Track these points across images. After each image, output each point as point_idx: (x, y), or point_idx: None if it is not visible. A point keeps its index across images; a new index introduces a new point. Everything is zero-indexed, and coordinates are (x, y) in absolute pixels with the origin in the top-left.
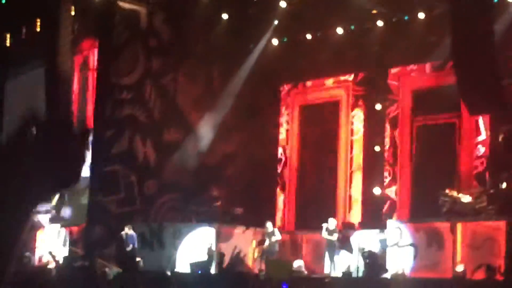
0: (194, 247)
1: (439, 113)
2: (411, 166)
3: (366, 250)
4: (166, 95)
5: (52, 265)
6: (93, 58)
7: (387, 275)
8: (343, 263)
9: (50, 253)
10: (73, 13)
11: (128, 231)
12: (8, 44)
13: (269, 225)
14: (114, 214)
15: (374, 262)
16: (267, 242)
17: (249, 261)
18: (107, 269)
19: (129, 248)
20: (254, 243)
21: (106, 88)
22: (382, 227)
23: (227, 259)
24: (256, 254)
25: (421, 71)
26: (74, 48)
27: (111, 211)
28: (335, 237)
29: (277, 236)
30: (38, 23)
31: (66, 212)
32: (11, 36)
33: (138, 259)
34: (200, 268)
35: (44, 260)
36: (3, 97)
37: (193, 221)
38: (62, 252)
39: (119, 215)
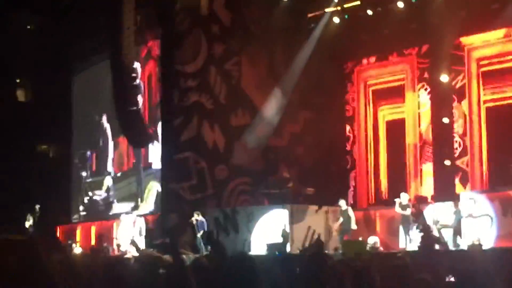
0: (268, 229)
1: (507, 81)
2: (482, 135)
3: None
4: (231, 80)
5: (130, 255)
6: (157, 48)
7: (464, 246)
8: (418, 237)
9: (133, 242)
10: (134, 4)
11: (197, 217)
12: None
13: (342, 203)
14: (188, 201)
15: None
16: (341, 220)
17: (324, 241)
18: (184, 256)
19: (200, 234)
20: (328, 221)
21: (171, 76)
22: (455, 199)
23: (302, 239)
24: (334, 233)
25: (485, 39)
26: (138, 39)
27: (184, 198)
28: (408, 211)
29: (351, 214)
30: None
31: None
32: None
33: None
34: (276, 249)
35: (122, 249)
36: (72, 91)
37: (266, 203)
38: (139, 241)
39: (193, 201)
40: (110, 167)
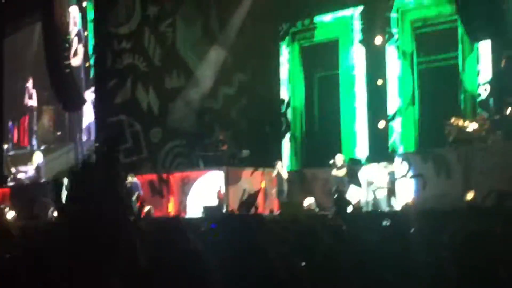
0: (204, 192)
1: (440, 44)
2: (415, 97)
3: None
4: (165, 42)
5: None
6: (89, 10)
7: (397, 207)
8: (353, 197)
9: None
10: None
11: (131, 179)
12: (3, 1)
13: (278, 165)
14: (122, 164)
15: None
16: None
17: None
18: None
19: (135, 196)
20: (263, 184)
21: (104, 38)
22: (389, 160)
23: (237, 202)
24: (274, 195)
25: (420, 1)
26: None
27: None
28: (343, 172)
29: (285, 175)
30: None
31: None
32: None
33: (148, 207)
34: (212, 212)
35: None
36: (2, 53)
37: (201, 166)
38: None
39: (127, 164)
40: (33, 140)
